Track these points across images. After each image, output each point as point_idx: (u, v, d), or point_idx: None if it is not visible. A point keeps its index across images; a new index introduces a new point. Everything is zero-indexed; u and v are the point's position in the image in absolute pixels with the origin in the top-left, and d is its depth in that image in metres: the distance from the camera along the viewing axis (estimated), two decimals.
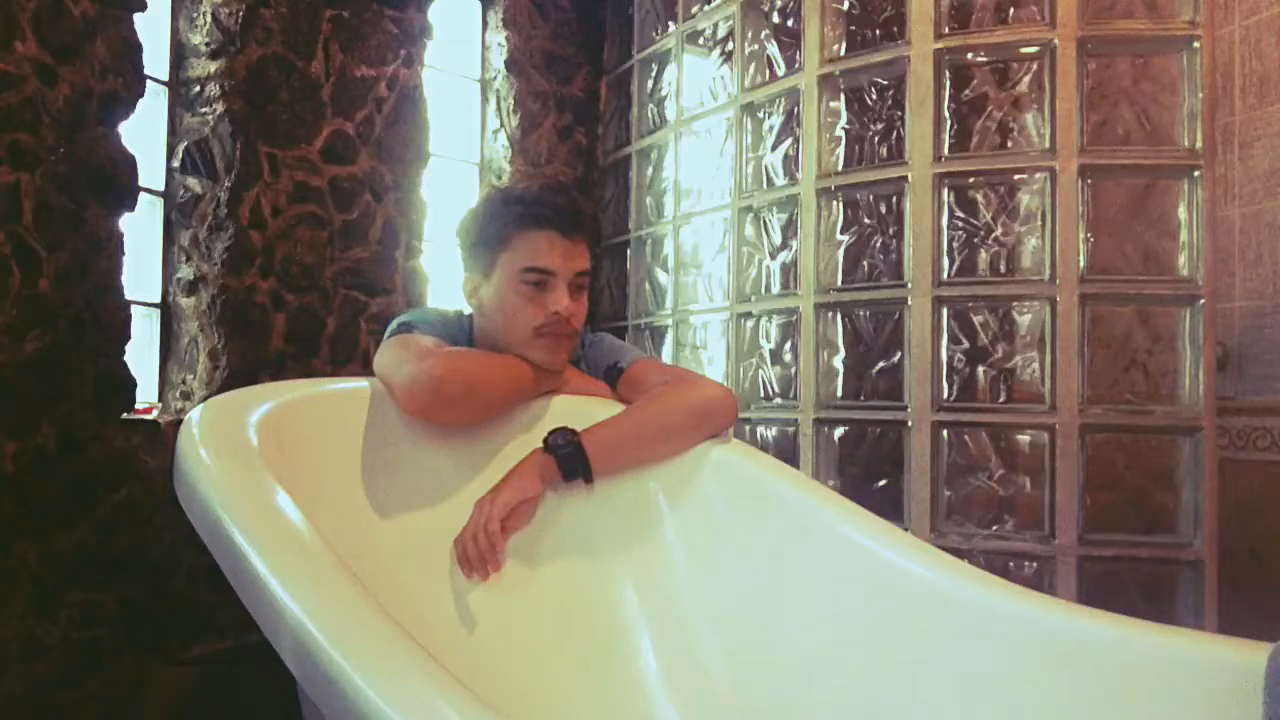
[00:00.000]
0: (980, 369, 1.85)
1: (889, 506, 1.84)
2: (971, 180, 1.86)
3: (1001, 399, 1.85)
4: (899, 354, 1.88)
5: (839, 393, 1.99)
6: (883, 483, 1.91)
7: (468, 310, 1.32)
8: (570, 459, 1.16)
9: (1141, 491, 1.78)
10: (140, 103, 1.77)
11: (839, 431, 1.98)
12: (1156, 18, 1.76)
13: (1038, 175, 1.79)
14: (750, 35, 2.18)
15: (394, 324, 1.25)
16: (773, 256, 2.14)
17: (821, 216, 1.98)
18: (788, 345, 2.09)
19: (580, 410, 1.27)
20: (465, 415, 1.19)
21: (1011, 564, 1.77)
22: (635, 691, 1.14)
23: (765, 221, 2.16)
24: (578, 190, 2.84)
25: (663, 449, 1.23)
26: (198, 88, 1.95)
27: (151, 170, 1.91)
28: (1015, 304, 1.82)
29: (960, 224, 1.86)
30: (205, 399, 1.31)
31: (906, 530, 1.73)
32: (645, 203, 2.59)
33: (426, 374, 1.10)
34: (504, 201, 1.23)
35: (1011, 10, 1.86)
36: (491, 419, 1.23)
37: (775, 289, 2.13)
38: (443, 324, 1.28)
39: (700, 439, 1.24)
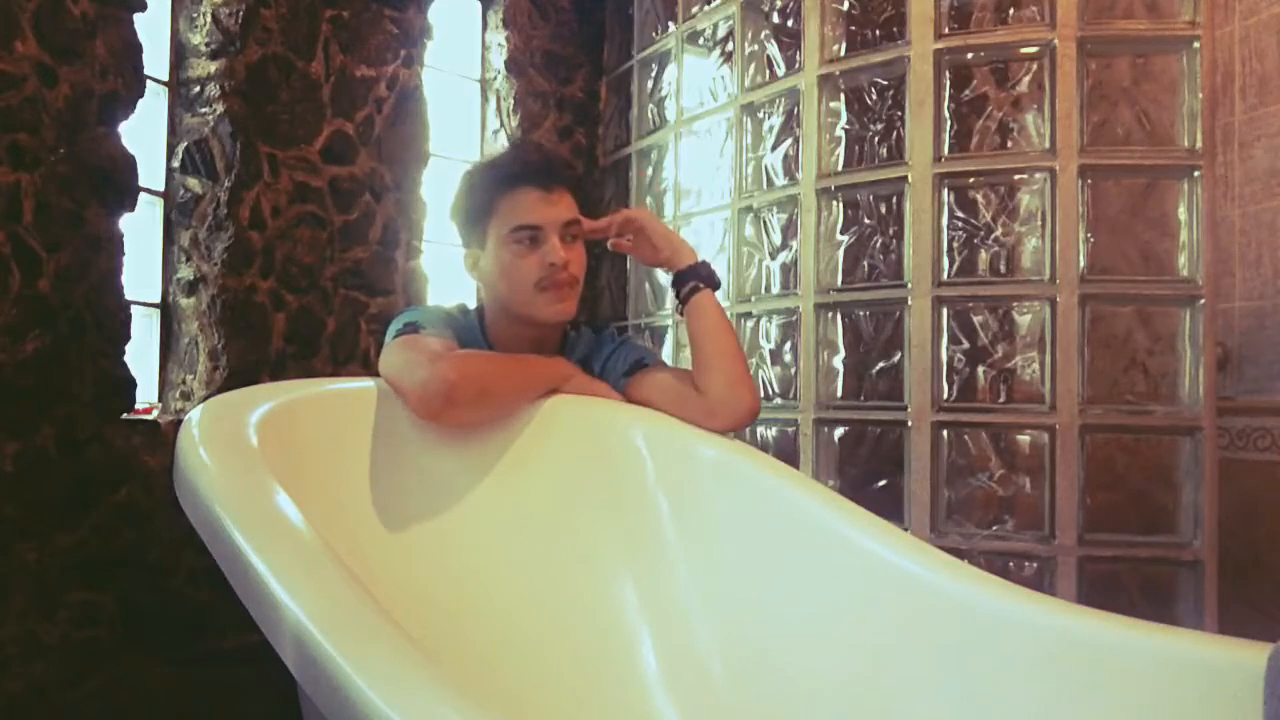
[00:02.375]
0: (980, 369, 1.85)
1: (889, 506, 1.84)
2: (971, 180, 1.86)
3: (1001, 399, 1.85)
4: (899, 354, 1.88)
5: (839, 393, 1.99)
6: (883, 483, 1.91)
7: (471, 304, 1.36)
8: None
9: (1141, 491, 1.78)
10: (140, 103, 1.77)
11: (839, 431, 1.98)
12: (1156, 18, 1.76)
13: (1038, 175, 1.79)
14: (750, 35, 2.18)
15: (397, 323, 1.25)
16: (773, 256, 2.14)
17: (821, 216, 1.98)
18: (788, 345, 2.09)
19: (582, 407, 1.27)
20: (478, 418, 1.21)
21: (1011, 564, 1.77)
22: (635, 691, 1.14)
23: (765, 221, 2.16)
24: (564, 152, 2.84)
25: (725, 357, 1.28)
26: (198, 88, 1.95)
27: (151, 170, 1.91)
28: (1015, 304, 1.82)
29: (960, 224, 1.86)
30: (205, 399, 1.31)
31: (906, 530, 1.73)
32: (645, 203, 2.59)
33: (440, 379, 1.11)
34: (482, 172, 1.28)
35: (1011, 10, 1.86)
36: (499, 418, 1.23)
37: (775, 289, 2.13)
38: (448, 320, 1.28)
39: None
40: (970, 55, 1.85)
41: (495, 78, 2.72)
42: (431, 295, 2.42)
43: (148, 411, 1.90)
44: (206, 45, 1.94)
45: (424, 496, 1.17)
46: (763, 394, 2.15)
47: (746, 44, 2.18)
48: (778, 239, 2.13)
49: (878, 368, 1.95)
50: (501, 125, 2.71)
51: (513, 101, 2.70)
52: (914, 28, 1.84)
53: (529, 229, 1.23)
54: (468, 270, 1.33)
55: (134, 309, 1.77)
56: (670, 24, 2.47)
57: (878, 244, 1.96)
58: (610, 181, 2.82)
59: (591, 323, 1.47)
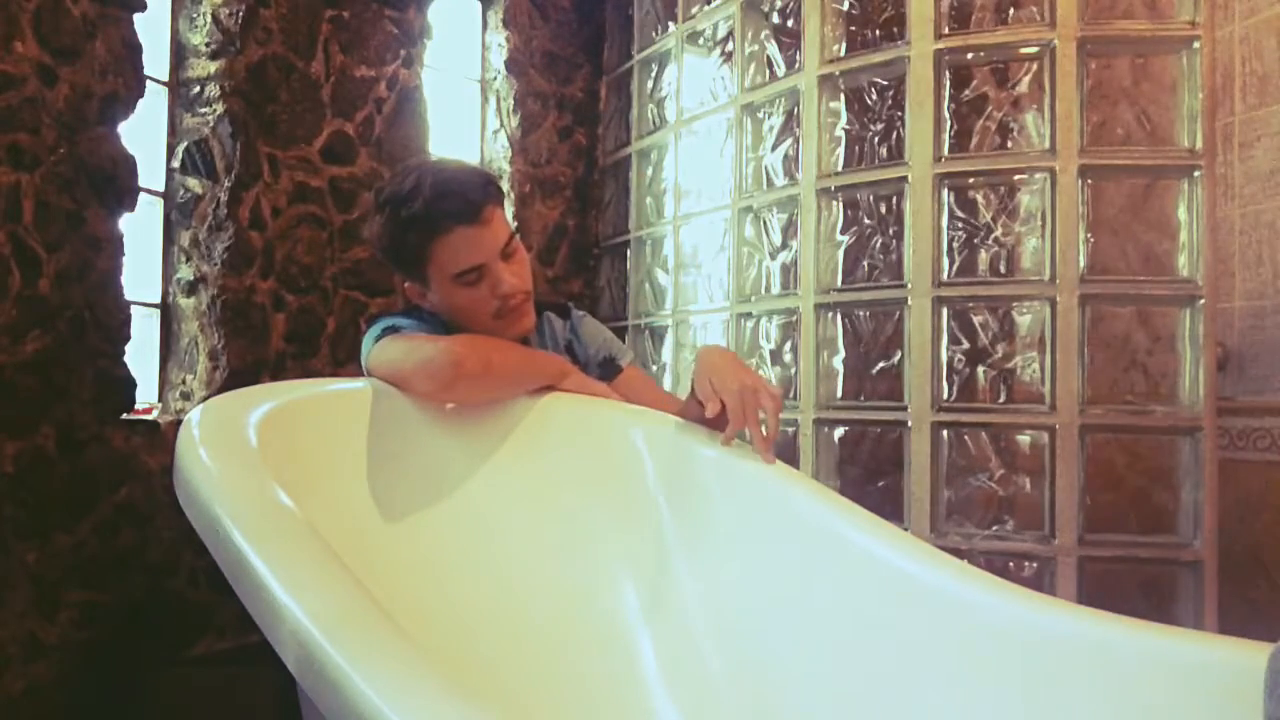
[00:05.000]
0: (980, 369, 1.85)
1: (889, 506, 1.84)
2: (971, 180, 1.85)
3: (1001, 399, 1.85)
4: (899, 354, 1.88)
5: (839, 393, 1.99)
6: (883, 483, 1.91)
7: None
8: None
9: (1141, 491, 1.78)
10: (140, 103, 1.77)
11: (839, 432, 1.98)
12: (1156, 18, 1.76)
13: (1038, 175, 1.79)
14: (750, 35, 2.18)
15: (376, 329, 1.26)
16: (773, 256, 2.14)
17: (821, 216, 1.98)
18: (788, 345, 2.09)
19: (581, 406, 1.27)
20: (484, 391, 1.21)
21: (1011, 564, 1.77)
22: (635, 691, 1.14)
23: (765, 221, 2.16)
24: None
25: None
26: (198, 88, 1.95)
27: (151, 170, 1.91)
28: (1015, 304, 1.82)
29: (960, 224, 1.86)
30: (205, 399, 1.31)
31: (906, 530, 1.73)
32: (645, 203, 2.59)
33: (447, 352, 1.13)
34: (407, 222, 1.18)
35: (1011, 10, 1.86)
36: (494, 412, 1.23)
37: (775, 289, 2.13)
38: (428, 323, 1.29)
39: None
40: (970, 55, 1.85)
41: (495, 78, 2.72)
42: None
43: (148, 411, 1.90)
44: (206, 45, 1.94)
45: (422, 496, 1.17)
46: None
47: (746, 44, 2.18)
48: (778, 239, 2.13)
49: (878, 368, 1.95)
50: (501, 125, 2.71)
51: (513, 101, 2.70)
52: (914, 28, 1.84)
53: (473, 270, 1.20)
54: (413, 299, 1.29)
55: (134, 309, 1.77)
56: (670, 24, 2.47)
57: (878, 244, 1.96)
58: (610, 181, 2.82)
59: (547, 302, 1.42)
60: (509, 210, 2.65)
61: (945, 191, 1.84)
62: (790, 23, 2.11)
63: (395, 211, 1.19)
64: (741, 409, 1.16)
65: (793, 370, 2.06)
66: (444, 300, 1.24)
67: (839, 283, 1.99)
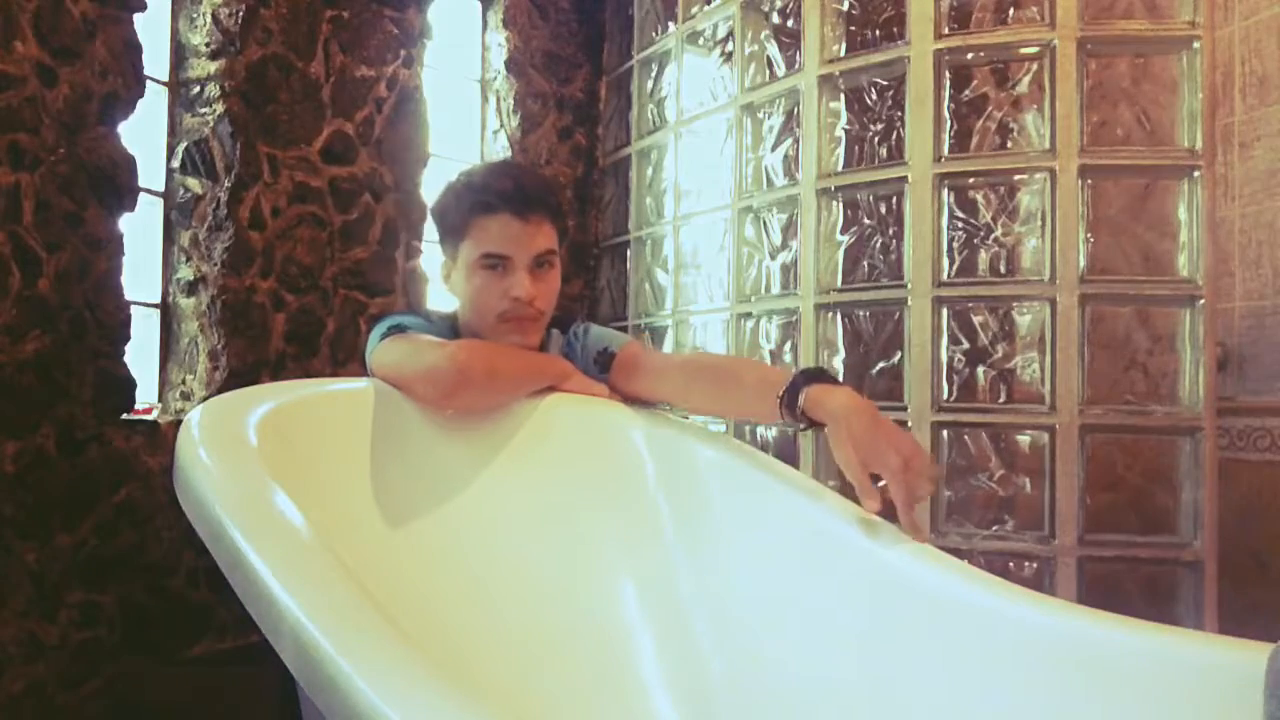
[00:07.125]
0: (980, 369, 1.85)
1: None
2: (971, 180, 1.85)
3: (1001, 399, 1.85)
4: (899, 354, 1.88)
5: None
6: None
7: (445, 310, 1.35)
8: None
9: (1141, 491, 1.78)
10: (140, 103, 1.77)
11: None
12: (1156, 18, 1.76)
13: (1038, 175, 1.79)
14: (750, 35, 2.18)
15: (382, 328, 1.25)
16: (773, 256, 2.14)
17: (821, 217, 1.98)
18: (788, 345, 2.09)
19: (581, 407, 1.27)
20: (486, 398, 1.21)
21: (1011, 564, 1.77)
22: (635, 691, 1.14)
23: (765, 221, 2.16)
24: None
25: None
26: (198, 88, 1.95)
27: (151, 170, 1.91)
28: (1015, 304, 1.82)
29: (960, 224, 1.86)
30: (205, 399, 1.31)
31: None
32: (645, 203, 2.59)
33: (450, 359, 1.13)
34: (462, 189, 1.23)
35: (1011, 10, 1.86)
36: (495, 413, 1.23)
37: (775, 289, 2.13)
38: (435, 325, 1.29)
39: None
40: (970, 55, 1.85)
41: (495, 78, 2.72)
42: (432, 295, 2.42)
43: (148, 411, 1.90)
44: (206, 45, 1.94)
45: (423, 496, 1.17)
46: None
47: (746, 44, 2.18)
48: (778, 239, 2.13)
49: (878, 368, 1.95)
50: (501, 125, 2.71)
51: (512, 102, 2.70)
52: (914, 28, 1.84)
53: (497, 257, 1.20)
54: (441, 279, 1.30)
55: (134, 309, 1.77)
56: (670, 24, 2.47)
57: (878, 244, 1.96)
58: (610, 181, 2.82)
59: (557, 320, 1.42)
60: None
61: (945, 191, 1.84)
62: (790, 23, 2.11)
63: (462, 181, 1.24)
64: (907, 490, 1.01)
65: (793, 370, 2.06)
66: (463, 281, 1.24)
67: (839, 283, 1.99)
